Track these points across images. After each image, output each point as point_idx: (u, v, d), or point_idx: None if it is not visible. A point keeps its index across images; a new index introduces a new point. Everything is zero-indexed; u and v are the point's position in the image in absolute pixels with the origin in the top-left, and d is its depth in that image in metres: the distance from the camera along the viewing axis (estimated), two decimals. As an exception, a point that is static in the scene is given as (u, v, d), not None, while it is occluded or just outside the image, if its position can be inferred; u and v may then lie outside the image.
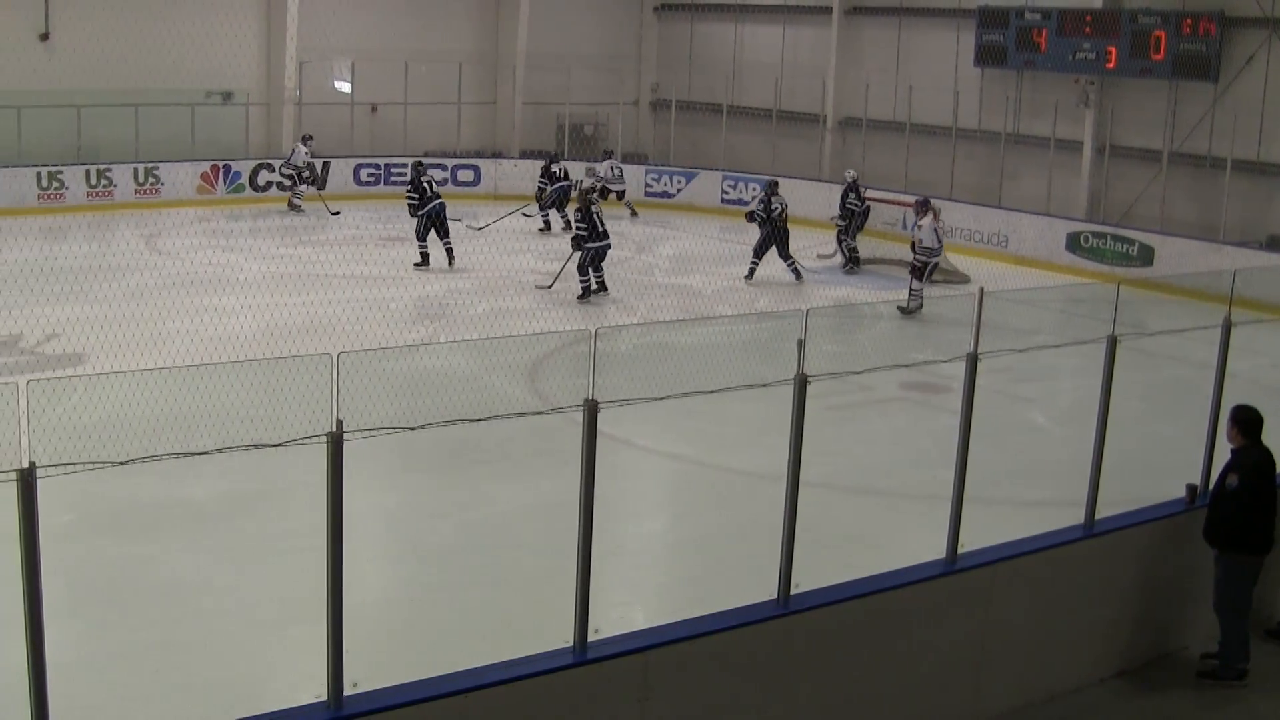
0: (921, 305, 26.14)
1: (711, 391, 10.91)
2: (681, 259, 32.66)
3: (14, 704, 8.11)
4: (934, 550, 11.49)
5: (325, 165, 38.76)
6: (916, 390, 19.88)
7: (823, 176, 38.66)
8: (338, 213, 36.58)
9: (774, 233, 29.08)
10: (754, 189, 37.80)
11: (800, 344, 10.26)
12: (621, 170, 39.12)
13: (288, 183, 38.32)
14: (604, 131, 44.53)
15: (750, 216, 30.42)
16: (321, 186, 38.51)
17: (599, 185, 36.85)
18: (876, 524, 15.53)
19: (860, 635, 10.95)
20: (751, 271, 29.39)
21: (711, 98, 43.11)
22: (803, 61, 41.90)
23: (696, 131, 43.01)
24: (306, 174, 37.52)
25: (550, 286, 27.13)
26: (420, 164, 32.06)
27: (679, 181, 40.61)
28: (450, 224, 30.07)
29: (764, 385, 10.71)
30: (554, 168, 36.75)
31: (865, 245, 31.98)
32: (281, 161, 38.48)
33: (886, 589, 11.02)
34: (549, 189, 36.02)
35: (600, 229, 26.97)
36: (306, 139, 37.87)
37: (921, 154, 36.88)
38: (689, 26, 45.83)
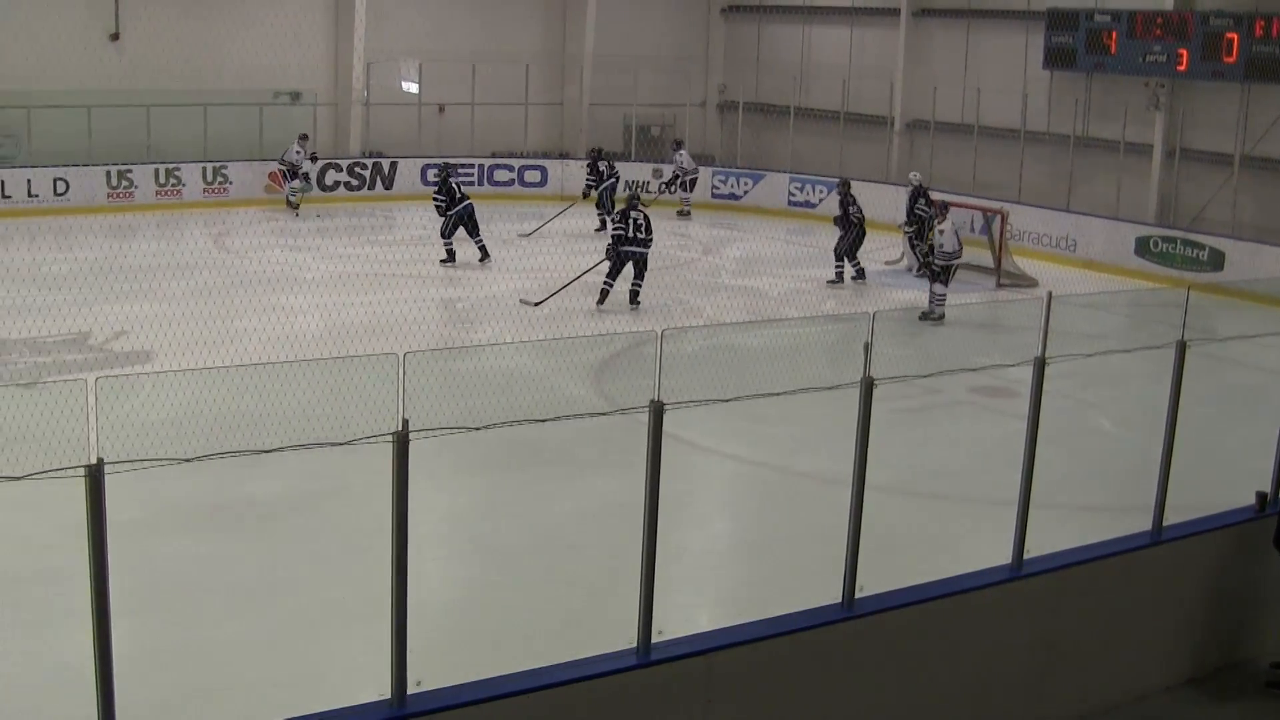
0: (944, 314, 25.83)
1: (778, 394, 10.87)
2: (748, 261, 32.62)
3: (81, 697, 8.14)
4: (1000, 555, 11.43)
5: (313, 158, 38.39)
6: (983, 394, 19.77)
7: (890, 179, 38.48)
8: (297, 207, 37.25)
9: (856, 235, 28.94)
10: (821, 191, 37.73)
11: (867, 347, 10.22)
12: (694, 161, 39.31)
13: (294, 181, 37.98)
14: (670, 133, 44.47)
15: (838, 221, 29.93)
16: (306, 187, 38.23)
17: (678, 176, 37.22)
18: (942, 528, 15.46)
19: (925, 640, 10.89)
20: (840, 275, 29.28)
21: (779, 99, 43.00)
22: (870, 63, 41.76)
23: (763, 133, 42.95)
24: (302, 171, 37.32)
25: (539, 303, 25.83)
26: (448, 166, 32.51)
27: (746, 183, 40.54)
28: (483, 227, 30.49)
29: (830, 388, 10.67)
30: (600, 164, 36.68)
31: (931, 248, 31.88)
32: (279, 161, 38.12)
33: (952, 594, 10.96)
34: (599, 186, 35.85)
35: (634, 234, 26.21)
36: (302, 138, 37.59)
37: (989, 157, 36.69)
38: (756, 28, 45.76)
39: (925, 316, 25.90)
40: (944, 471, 17.63)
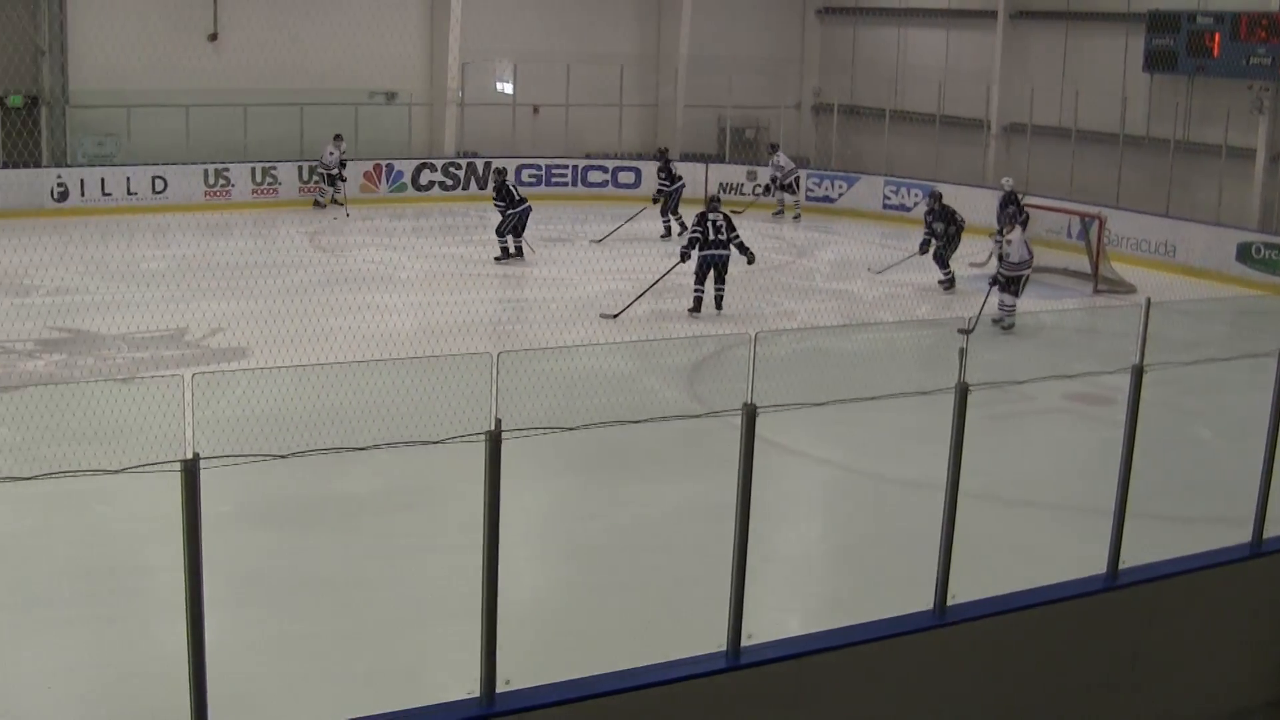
0: (1013, 323, 25.39)
1: (871, 398, 10.83)
2: (842, 264, 32.46)
3: (174, 687, 8.20)
4: (1094, 565, 11.34)
5: (343, 163, 37.72)
6: (1079, 401, 19.59)
7: (986, 183, 38.12)
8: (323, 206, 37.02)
9: (951, 240, 28.81)
10: (916, 195, 37.49)
11: (962, 352, 10.16)
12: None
13: (325, 184, 37.59)
14: (765, 135, 44.34)
15: (932, 237, 29.30)
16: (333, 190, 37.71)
17: (776, 179, 37.52)
18: (1036, 536, 15.32)
19: (1016, 649, 10.82)
20: (952, 281, 29.19)
21: (874, 102, 42.79)
22: (967, 66, 41.48)
23: (858, 136, 42.77)
24: (335, 172, 37.07)
25: (616, 315, 25.21)
26: (504, 171, 32.68)
27: (840, 186, 40.37)
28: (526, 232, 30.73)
29: (924, 393, 10.62)
30: (673, 167, 36.07)
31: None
32: (316, 162, 37.83)
33: (1045, 603, 10.88)
34: (670, 190, 35.18)
35: (713, 236, 25.77)
36: (337, 139, 37.22)
37: (1087, 161, 36.34)
38: (852, 30, 45.58)
39: (1002, 327, 25.34)
40: (1038, 479, 17.49)
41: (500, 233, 30.60)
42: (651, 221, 33.78)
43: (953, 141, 40.27)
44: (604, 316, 24.51)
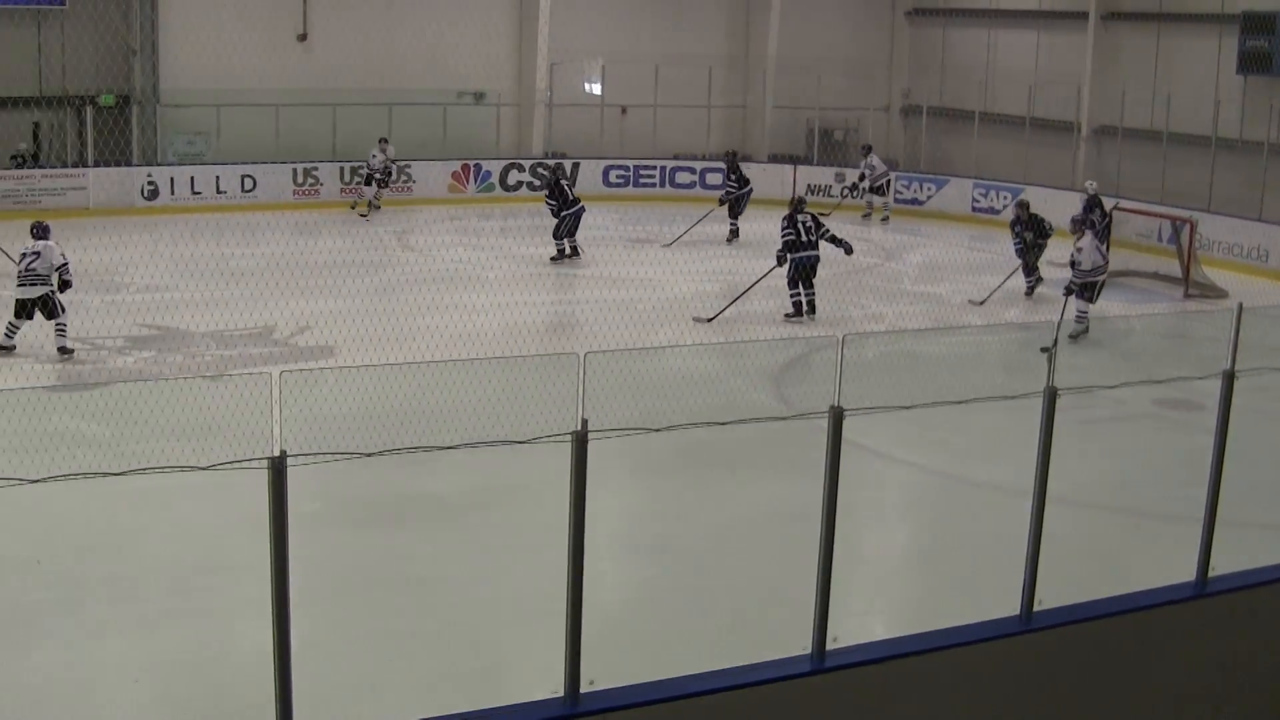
0: (1085, 329, 25.03)
1: (958, 402, 10.76)
2: (930, 267, 32.31)
3: (259, 684, 8.24)
4: (1183, 572, 11.23)
5: (386, 170, 37.08)
6: (1169, 407, 19.42)
7: (1075, 186, 37.75)
8: (365, 216, 36.22)
9: (1036, 248, 28.45)
10: (1005, 197, 37.28)
11: (1051, 357, 10.09)
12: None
13: (364, 185, 37.04)
14: (854, 137, 44.22)
15: (1020, 243, 28.90)
16: (384, 185, 37.09)
17: (864, 177, 37.59)
18: (1124, 542, 15.19)
19: (1104, 656, 10.72)
20: (1036, 285, 28.80)
21: (963, 104, 42.56)
22: (1057, 68, 41.19)
23: (947, 138, 42.55)
24: (379, 176, 36.58)
25: (711, 319, 24.95)
26: (560, 167, 32.35)
27: (929, 188, 40.19)
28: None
29: (1012, 397, 10.55)
30: (741, 169, 35.42)
31: (1117, 257, 31.24)
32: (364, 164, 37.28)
33: (1133, 610, 10.78)
34: (739, 193, 34.60)
35: (805, 238, 25.62)
36: (382, 142, 36.67)
37: (1179, 164, 35.95)
38: (941, 31, 45.40)
39: (1072, 337, 24.60)
40: (1126, 485, 17.33)
41: (558, 235, 30.52)
42: (723, 224, 33.67)
43: (1042, 144, 39.94)
44: (697, 320, 24.46)
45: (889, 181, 38.66)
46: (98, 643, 11.86)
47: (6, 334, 20.62)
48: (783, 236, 25.66)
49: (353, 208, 36.58)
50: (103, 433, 16.57)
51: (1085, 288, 24.82)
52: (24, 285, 21.00)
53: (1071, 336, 24.26)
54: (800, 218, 25.58)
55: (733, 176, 34.72)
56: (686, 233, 32.89)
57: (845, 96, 43.67)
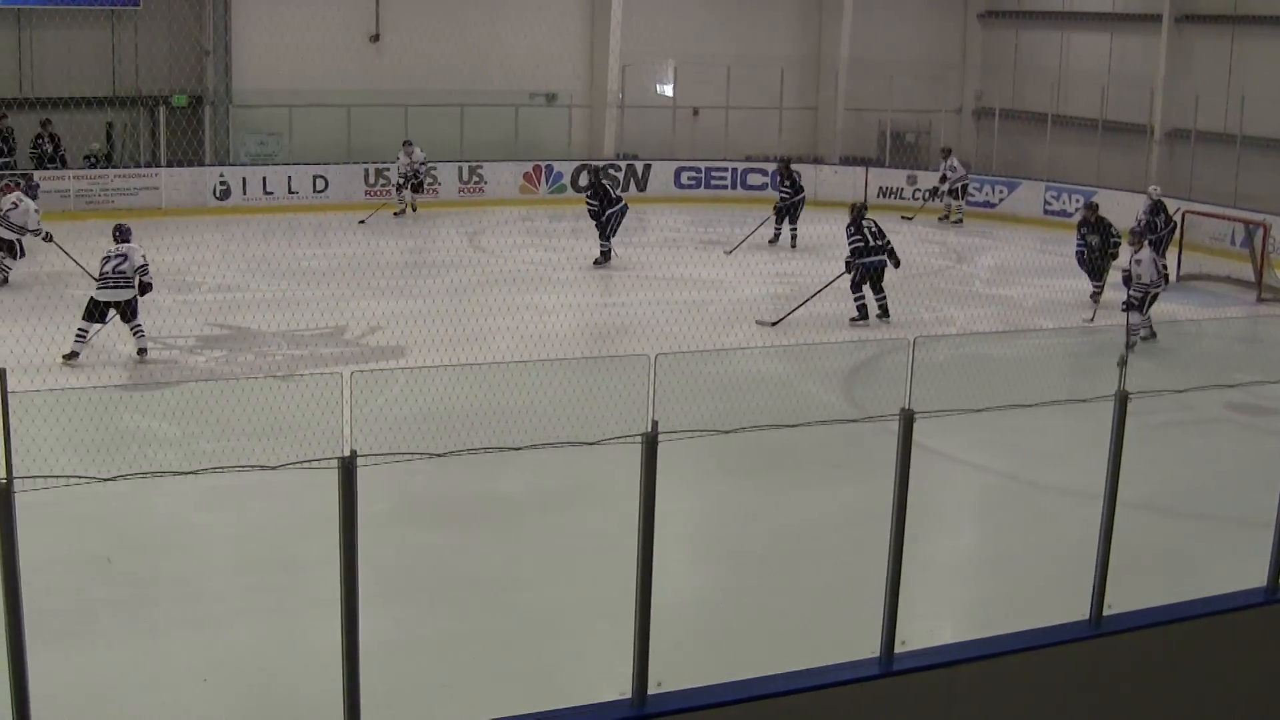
0: (1140, 338, 23.81)
1: (1029, 405, 10.71)
2: (1001, 270, 32.13)
3: (328, 683, 8.26)
4: (1254, 578, 11.14)
5: (416, 174, 36.23)
6: (1241, 411, 19.25)
7: (1148, 189, 37.62)
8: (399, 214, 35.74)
9: (1103, 257, 27.92)
10: (1077, 200, 37.03)
11: (1122, 360, 10.03)
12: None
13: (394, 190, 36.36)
14: (926, 139, 44.08)
15: (1083, 246, 28.23)
16: (417, 190, 36.34)
17: (945, 178, 37.56)
18: (1194, 547, 15.07)
19: (1174, 661, 10.65)
20: (1099, 292, 27.89)
21: (1035, 106, 42.31)
22: (1130, 70, 40.93)
23: (1019, 140, 42.28)
24: (402, 181, 35.89)
25: (775, 323, 24.69)
26: (600, 169, 32.21)
27: (1001, 191, 39.97)
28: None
29: (1083, 401, 10.49)
30: (796, 176, 34.52)
31: (1190, 260, 31.02)
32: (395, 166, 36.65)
33: (1204, 615, 10.70)
34: (793, 200, 33.75)
35: (873, 243, 25.32)
36: (406, 145, 35.82)
37: (1253, 168, 35.64)
38: (1014, 33, 45.17)
39: (1129, 348, 23.66)
40: (1197, 490, 17.19)
41: (605, 236, 29.98)
42: (804, 225, 33.45)
43: (1114, 147, 39.66)
44: (761, 324, 24.38)
45: (966, 185, 38.48)
46: (167, 641, 11.92)
47: (77, 339, 20.39)
48: (850, 244, 25.35)
49: (399, 214, 36.02)
50: (174, 432, 16.67)
51: (1143, 302, 24.14)
52: (110, 288, 20.72)
53: (1129, 347, 23.37)
54: (865, 222, 25.41)
55: (786, 183, 34.11)
56: (746, 239, 32.62)
57: (917, 98, 43.50)
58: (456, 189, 37.72)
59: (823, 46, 44.89)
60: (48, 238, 23.85)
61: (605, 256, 29.88)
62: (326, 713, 8.34)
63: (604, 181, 30.61)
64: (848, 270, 25.28)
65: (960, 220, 38.10)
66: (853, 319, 25.15)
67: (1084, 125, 40.54)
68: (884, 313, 25.27)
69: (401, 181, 35.85)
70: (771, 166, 40.28)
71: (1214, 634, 10.73)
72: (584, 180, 31.33)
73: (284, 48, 34.79)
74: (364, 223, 33.98)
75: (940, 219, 38.17)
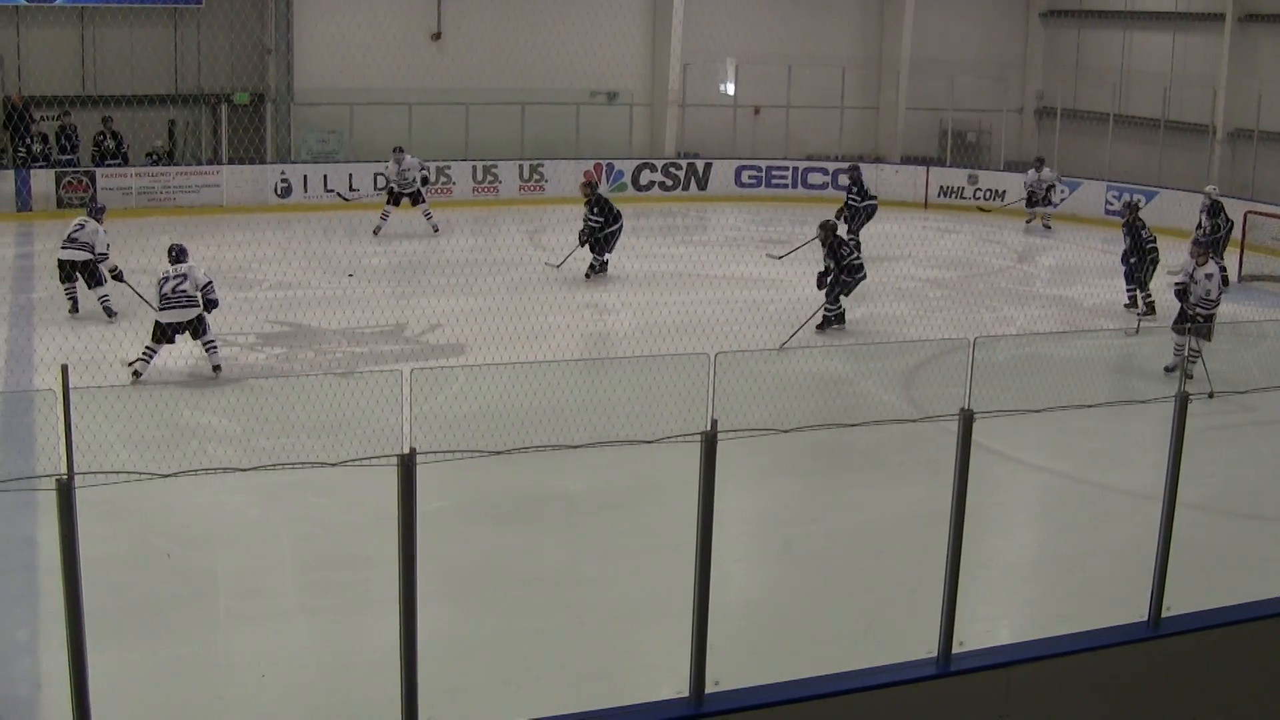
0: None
1: (1090, 406, 10.67)
2: (1063, 270, 31.97)
3: (386, 679, 8.29)
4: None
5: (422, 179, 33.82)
6: (1304, 413, 19.15)
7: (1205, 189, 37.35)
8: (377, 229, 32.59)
9: (1142, 262, 26.52)
10: (1140, 201, 36.86)
11: (1183, 363, 9.98)
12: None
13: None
14: (988, 139, 43.94)
15: (1125, 258, 26.94)
16: (416, 201, 33.11)
17: (1034, 191, 36.50)
18: (1256, 549, 14.96)
19: (1233, 663, 10.58)
20: (1135, 299, 26.69)
21: (1097, 106, 42.11)
22: (1192, 70, 40.67)
23: (1081, 140, 42.08)
24: (394, 188, 32.75)
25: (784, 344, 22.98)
26: (595, 184, 30.53)
27: (1062, 191, 39.63)
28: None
29: (1143, 402, 10.45)
30: (865, 183, 32.98)
31: (1251, 261, 30.79)
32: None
33: (1265, 617, 10.63)
34: (860, 205, 32.07)
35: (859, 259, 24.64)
36: (396, 151, 32.90)
37: (1317, 167, 35.49)
38: (1076, 33, 44.96)
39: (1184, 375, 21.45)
40: (1259, 491, 17.08)
41: (602, 251, 28.28)
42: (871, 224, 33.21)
43: (1176, 147, 39.44)
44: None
45: (1053, 187, 37.84)
46: (226, 636, 11.98)
47: (143, 359, 19.99)
48: (850, 260, 24.40)
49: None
50: (234, 428, 16.76)
51: (1209, 320, 21.62)
52: (173, 308, 19.85)
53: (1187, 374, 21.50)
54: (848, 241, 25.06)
55: (854, 190, 32.54)
56: (798, 249, 31.77)
57: (978, 98, 43.37)
58: (517, 187, 37.76)
59: (884, 46, 44.77)
60: (118, 275, 23.44)
61: (602, 267, 28.45)
62: (385, 708, 8.37)
63: (605, 197, 29.49)
64: (846, 291, 24.55)
65: (1048, 225, 37.32)
66: (819, 327, 24.18)
67: (1146, 125, 40.33)
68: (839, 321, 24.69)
69: (391, 190, 32.77)
70: (832, 166, 40.20)
71: (1274, 636, 10.65)
72: (590, 193, 29.42)
73: (345, 46, 34.96)
74: (378, 233, 32.22)
75: (1026, 222, 37.31)
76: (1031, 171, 37.61)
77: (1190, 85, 39.87)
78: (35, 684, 10.81)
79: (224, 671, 11.28)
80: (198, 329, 20.15)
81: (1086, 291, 28.67)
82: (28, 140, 33.35)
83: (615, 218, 28.33)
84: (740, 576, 13.37)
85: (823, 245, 24.55)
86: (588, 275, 28.11)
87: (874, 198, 32.76)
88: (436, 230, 32.63)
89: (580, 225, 28.41)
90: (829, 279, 24.04)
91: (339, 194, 31.36)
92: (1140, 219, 27.09)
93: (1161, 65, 41.49)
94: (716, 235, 34.27)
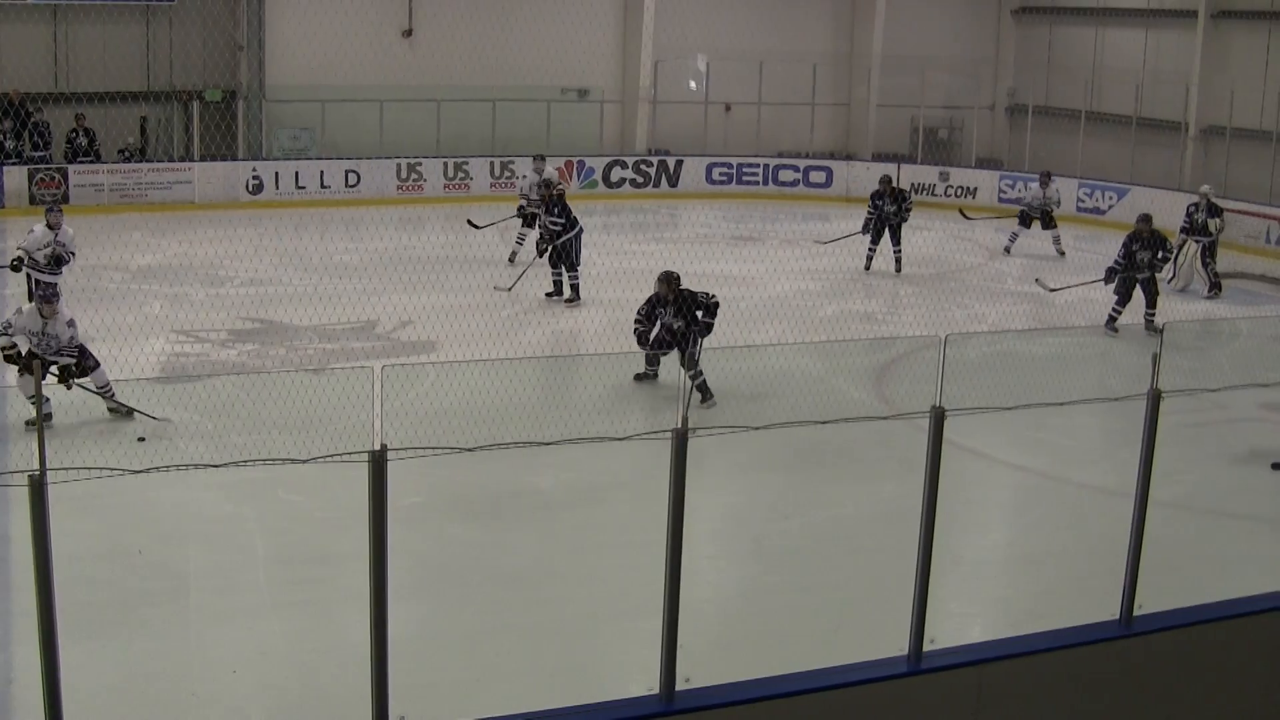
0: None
1: (1061, 404, 10.69)
2: (1035, 267, 31.99)
3: (358, 675, 8.29)
4: (1288, 579, 11.10)
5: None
6: (1276, 411, 19.18)
7: (1183, 186, 37.25)
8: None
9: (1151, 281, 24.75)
10: (1111, 198, 36.96)
11: (1155, 358, 10.00)
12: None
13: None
14: (959, 136, 44.02)
15: (1109, 275, 24.88)
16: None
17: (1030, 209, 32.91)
18: (1228, 547, 15.01)
19: (1205, 662, 10.61)
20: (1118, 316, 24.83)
21: (1069, 103, 42.21)
22: (1165, 66, 40.78)
23: (1053, 137, 42.12)
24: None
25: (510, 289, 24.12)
26: (556, 181, 27.65)
27: (1033, 188, 39.77)
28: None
29: (1115, 399, 10.46)
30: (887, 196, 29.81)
31: (1225, 258, 30.84)
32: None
33: (1237, 615, 10.66)
34: (896, 219, 29.49)
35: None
36: (537, 159, 30.12)
37: (1289, 165, 35.57)
38: (1048, 30, 45.05)
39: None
40: (1231, 489, 17.13)
41: (557, 263, 25.44)
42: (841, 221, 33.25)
43: (1149, 144, 39.53)
44: (498, 289, 24.29)
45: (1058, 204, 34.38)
46: (198, 632, 11.95)
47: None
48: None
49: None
50: (205, 424, 16.71)
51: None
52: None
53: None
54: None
55: (891, 205, 29.53)
56: (838, 239, 30.96)
57: (950, 95, 43.51)
58: (488, 184, 37.71)
59: (855, 42, 44.82)
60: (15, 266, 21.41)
61: (574, 293, 25.47)
62: (356, 705, 8.36)
63: (565, 199, 26.12)
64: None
65: (1063, 253, 33.42)
66: (548, 293, 24.71)
67: (1118, 122, 40.41)
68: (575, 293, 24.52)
69: (522, 208, 29.10)
70: (803, 163, 40.28)
71: (1245, 635, 10.68)
72: (538, 193, 27.47)
73: (317, 42, 34.88)
74: (480, 228, 29.55)
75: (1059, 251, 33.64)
76: (1035, 186, 33.48)
77: (1163, 82, 39.98)
78: (7, 679, 10.78)
79: (196, 667, 11.26)
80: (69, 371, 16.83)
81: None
82: (34, 137, 33.45)
83: (574, 223, 25.56)
84: (711, 573, 13.37)
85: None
86: (551, 295, 25.49)
87: (908, 201, 30.25)
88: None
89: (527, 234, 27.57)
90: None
91: (470, 221, 29.12)
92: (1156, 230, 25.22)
93: (1134, 62, 41.59)
94: (688, 232, 34.28)
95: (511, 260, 28.62)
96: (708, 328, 17.85)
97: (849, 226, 31.66)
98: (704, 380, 16.95)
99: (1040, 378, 12.49)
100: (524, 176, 30.96)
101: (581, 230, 25.59)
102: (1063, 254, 32.86)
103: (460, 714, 9.80)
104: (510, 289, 25.50)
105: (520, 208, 29.12)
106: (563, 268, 25.37)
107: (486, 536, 14.27)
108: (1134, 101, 39.87)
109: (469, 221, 28.85)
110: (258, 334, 22.07)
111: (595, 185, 38.94)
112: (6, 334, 16.60)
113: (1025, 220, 33.15)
